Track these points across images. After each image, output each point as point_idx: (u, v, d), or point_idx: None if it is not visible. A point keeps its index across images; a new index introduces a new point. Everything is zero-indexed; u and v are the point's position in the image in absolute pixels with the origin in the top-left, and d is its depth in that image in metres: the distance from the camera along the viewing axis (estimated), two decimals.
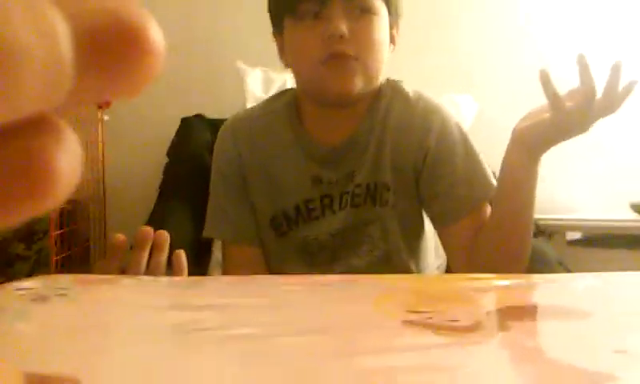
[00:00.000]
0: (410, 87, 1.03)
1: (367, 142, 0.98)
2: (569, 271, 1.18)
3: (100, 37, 0.12)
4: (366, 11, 0.92)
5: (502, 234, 0.90)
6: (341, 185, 0.97)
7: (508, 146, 0.90)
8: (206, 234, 1.04)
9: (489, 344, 0.40)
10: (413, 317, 0.47)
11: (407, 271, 0.98)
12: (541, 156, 0.88)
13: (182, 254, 0.78)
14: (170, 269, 0.77)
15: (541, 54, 1.93)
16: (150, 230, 0.77)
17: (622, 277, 0.65)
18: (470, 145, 0.99)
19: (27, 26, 0.10)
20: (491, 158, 1.51)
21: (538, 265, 1.15)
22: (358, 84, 0.92)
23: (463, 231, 0.94)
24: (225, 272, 0.99)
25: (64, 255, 1.26)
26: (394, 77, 1.04)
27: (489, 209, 0.95)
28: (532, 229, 0.92)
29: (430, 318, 0.46)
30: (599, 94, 0.79)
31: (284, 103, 1.05)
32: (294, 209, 0.99)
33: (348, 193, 0.97)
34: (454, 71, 1.94)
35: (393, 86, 1.02)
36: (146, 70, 0.12)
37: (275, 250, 1.01)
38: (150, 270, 0.75)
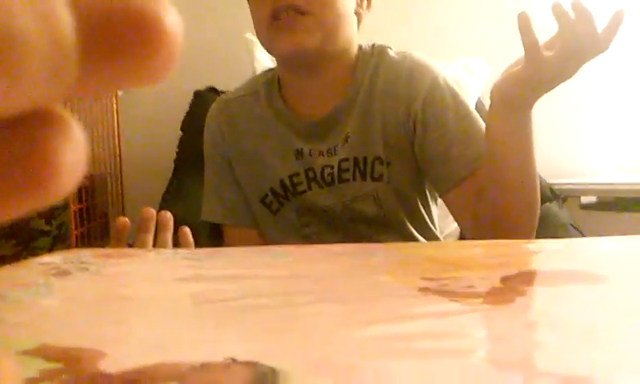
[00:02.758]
0: (398, 50, 0.99)
1: (350, 114, 0.94)
2: (583, 235, 1.18)
3: (108, 23, 0.11)
4: None
5: (503, 198, 0.85)
6: (324, 158, 0.95)
7: (489, 107, 0.84)
8: (203, 217, 1.05)
9: (505, 309, 0.40)
10: (429, 284, 0.47)
11: (413, 240, 0.96)
12: (527, 110, 0.81)
13: (187, 231, 0.78)
14: (177, 247, 0.78)
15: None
16: (152, 210, 0.78)
17: (638, 240, 0.65)
18: (463, 103, 0.94)
19: (28, 13, 0.10)
20: None
21: (552, 229, 1.15)
22: (312, 41, 0.87)
23: (465, 194, 0.90)
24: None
25: (83, 230, 1.28)
26: (404, 42, 1.03)
27: None
28: (537, 190, 0.85)
29: (446, 284, 0.47)
30: (584, 37, 0.72)
31: (264, 81, 1.03)
32: (280, 185, 0.97)
33: (332, 167, 0.94)
34: (465, 35, 1.92)
35: (378, 52, 0.98)
36: (161, 59, 0.11)
37: (272, 229, 1.01)
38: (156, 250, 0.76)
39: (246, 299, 0.46)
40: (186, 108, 1.78)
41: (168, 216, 0.78)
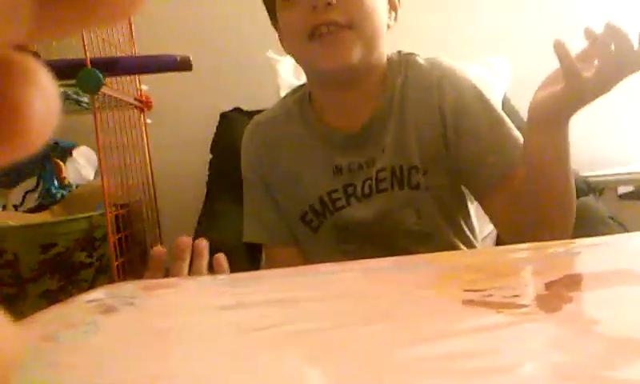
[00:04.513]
0: (424, 56, 0.99)
1: (385, 125, 0.94)
2: (623, 227, 1.16)
3: None
4: None
5: (543, 206, 0.85)
6: (362, 171, 0.95)
7: (527, 124, 0.83)
8: (245, 239, 1.06)
9: (552, 319, 0.40)
10: (472, 296, 0.47)
11: (452, 249, 0.96)
12: (566, 124, 0.81)
13: (221, 257, 0.79)
14: (212, 273, 0.79)
15: (573, 8, 1.88)
16: (187, 239, 0.78)
17: None
18: (493, 108, 0.94)
19: None
20: None
21: (591, 224, 1.13)
22: (355, 54, 0.88)
23: (500, 199, 0.91)
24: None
25: (123, 260, 1.30)
26: (427, 44, 1.03)
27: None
28: (574, 197, 0.86)
29: (491, 295, 0.47)
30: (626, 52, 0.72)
31: (295, 99, 1.04)
32: (319, 202, 0.97)
33: (370, 179, 0.94)
34: (486, 34, 1.90)
35: (406, 60, 0.98)
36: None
37: (312, 247, 1.01)
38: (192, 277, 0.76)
39: (292, 325, 0.46)
40: (214, 130, 1.80)
41: (203, 244, 0.78)
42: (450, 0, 1.87)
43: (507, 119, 0.94)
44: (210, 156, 1.76)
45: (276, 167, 1.02)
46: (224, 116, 1.81)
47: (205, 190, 1.69)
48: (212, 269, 0.80)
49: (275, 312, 0.51)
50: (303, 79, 1.58)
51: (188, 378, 0.38)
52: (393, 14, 0.97)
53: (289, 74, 1.74)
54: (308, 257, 1.02)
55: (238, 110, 1.80)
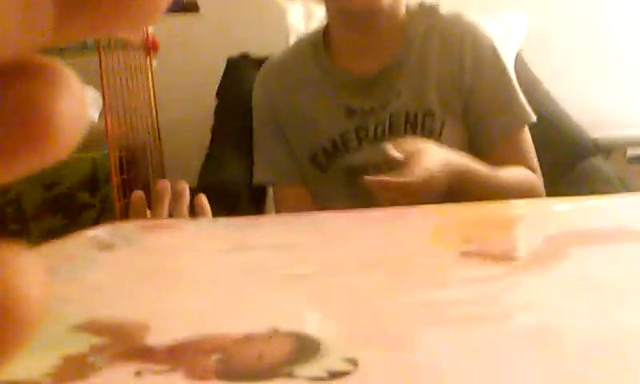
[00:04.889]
0: (446, 9, 1.01)
1: (402, 69, 0.97)
2: (630, 190, 1.15)
3: None
4: None
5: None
6: (376, 115, 0.97)
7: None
8: (255, 181, 1.07)
9: (547, 273, 0.40)
10: (470, 247, 0.47)
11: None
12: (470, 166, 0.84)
13: (202, 199, 0.79)
14: (193, 216, 0.79)
15: None
16: (165, 182, 0.78)
17: None
18: (505, 70, 0.97)
19: None
20: (543, 72, 1.46)
21: (597, 185, 1.13)
22: None
23: (499, 159, 0.93)
24: (277, 213, 1.01)
25: (127, 201, 1.31)
26: None
27: (527, 137, 0.95)
28: (523, 191, 0.87)
29: (488, 247, 0.47)
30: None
31: (309, 43, 1.05)
32: (331, 143, 0.99)
33: (384, 122, 0.96)
34: None
35: (429, 11, 1.00)
36: (145, 6, 0.11)
37: (320, 188, 1.02)
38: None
39: (289, 269, 0.46)
40: (220, 75, 1.78)
41: (182, 186, 0.78)
42: None
43: (514, 82, 0.97)
44: (216, 101, 1.75)
45: (289, 108, 1.03)
46: (231, 61, 1.79)
47: (210, 135, 1.68)
48: (193, 212, 0.80)
49: (274, 256, 0.51)
50: (313, 26, 1.56)
51: (180, 316, 0.38)
52: None
53: (299, 20, 1.71)
54: (315, 199, 1.03)
55: (245, 56, 1.78)
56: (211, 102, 1.75)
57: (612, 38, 1.84)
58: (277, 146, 1.04)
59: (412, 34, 0.98)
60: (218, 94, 1.75)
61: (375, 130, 0.97)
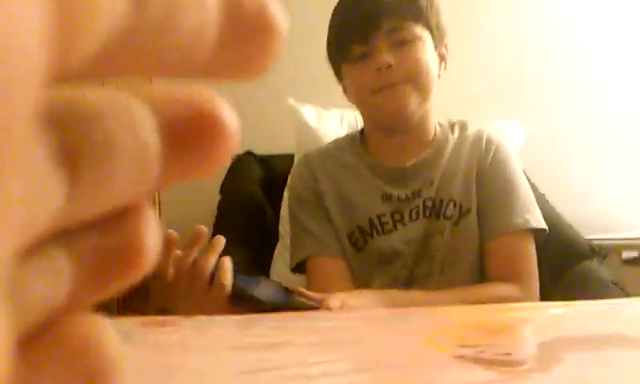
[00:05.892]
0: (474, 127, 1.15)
1: (436, 164, 1.07)
2: (626, 292, 1.15)
3: (182, 126, 0.13)
4: (409, 41, 1.03)
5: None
6: (409, 201, 1.06)
7: None
8: (292, 262, 1.12)
9: (541, 378, 0.41)
10: (464, 351, 0.47)
11: (463, 284, 1.02)
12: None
13: (227, 261, 0.83)
14: (216, 271, 0.82)
15: (585, 70, 1.91)
16: (204, 229, 0.85)
17: None
18: (514, 180, 1.07)
19: (119, 122, 0.12)
20: (540, 180, 1.49)
21: (593, 288, 1.14)
22: (413, 104, 1.02)
23: (489, 256, 1.02)
24: (310, 288, 1.02)
25: (125, 294, 1.31)
26: (440, 108, 1.12)
27: (524, 245, 1.01)
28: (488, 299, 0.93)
29: (482, 351, 0.47)
30: None
31: (347, 139, 1.18)
32: (368, 222, 1.07)
33: (417, 208, 1.06)
34: (499, 98, 1.93)
35: (460, 124, 1.14)
36: (224, 153, 0.13)
37: (356, 266, 1.07)
38: (196, 267, 0.83)
39: (290, 370, 0.47)
40: (225, 171, 1.81)
41: (222, 241, 0.86)
42: (463, 66, 1.90)
43: (524, 191, 1.06)
44: (220, 197, 1.77)
45: (331, 186, 1.10)
46: (235, 158, 1.83)
47: (212, 231, 1.70)
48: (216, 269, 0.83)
49: (273, 356, 0.52)
50: (325, 125, 1.61)
51: None
52: (443, 64, 1.11)
53: (311, 121, 1.75)
54: (352, 279, 1.07)
55: (249, 153, 1.82)
56: (214, 197, 1.78)
57: (606, 144, 1.89)
58: (317, 219, 1.10)
59: (444, 137, 1.11)
60: (221, 190, 1.78)
61: (410, 214, 1.06)
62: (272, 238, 1.50)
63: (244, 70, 0.14)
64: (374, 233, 1.06)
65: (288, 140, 1.68)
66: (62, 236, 0.12)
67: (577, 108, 1.90)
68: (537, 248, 1.03)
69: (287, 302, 0.80)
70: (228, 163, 0.14)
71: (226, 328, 0.66)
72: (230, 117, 0.13)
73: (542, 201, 1.39)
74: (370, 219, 1.06)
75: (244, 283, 0.82)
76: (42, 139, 0.11)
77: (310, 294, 0.86)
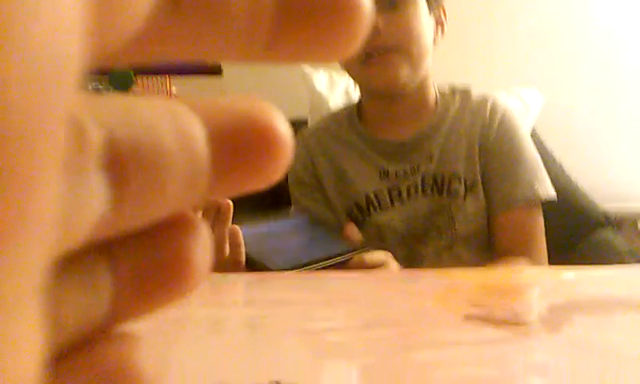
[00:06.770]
0: (477, 91, 1.09)
1: (435, 137, 1.03)
2: None
3: (234, 138, 0.12)
4: (400, 3, 0.96)
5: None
6: (407, 177, 1.03)
7: None
8: None
9: (550, 339, 0.40)
10: (474, 311, 0.47)
11: (470, 263, 1.00)
12: None
13: (239, 233, 0.82)
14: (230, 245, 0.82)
15: (606, 41, 1.88)
16: (229, 203, 0.82)
17: None
18: (522, 150, 1.02)
19: (169, 130, 0.11)
20: (557, 148, 1.48)
21: (607, 257, 1.13)
22: (403, 74, 0.97)
23: (497, 230, 1.00)
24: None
25: None
26: (460, 73, 1.08)
27: (533, 217, 0.99)
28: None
29: (492, 312, 0.47)
30: None
31: (344, 113, 1.14)
32: (365, 199, 1.04)
33: (416, 184, 1.02)
34: (518, 64, 1.90)
35: (462, 92, 1.09)
36: (278, 165, 0.12)
37: None
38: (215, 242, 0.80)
39: (293, 325, 0.47)
40: None
41: (230, 207, 0.82)
42: (484, 29, 1.87)
43: (533, 161, 1.02)
44: None
45: (327, 163, 1.09)
46: None
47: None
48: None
49: (281, 311, 0.52)
50: (336, 92, 1.61)
51: (184, 368, 0.39)
52: (439, 29, 1.05)
53: (323, 87, 1.75)
54: None
55: None
56: None
57: (624, 113, 1.86)
58: (315, 199, 1.10)
59: (444, 107, 1.06)
60: None
61: (408, 190, 1.02)
62: (285, 203, 1.51)
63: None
64: (371, 209, 1.04)
65: (304, 106, 1.68)
66: (104, 248, 0.12)
67: (596, 77, 1.87)
68: (551, 216, 1.01)
69: (308, 262, 0.80)
70: (280, 177, 0.13)
71: (237, 285, 0.66)
72: (284, 128, 0.12)
73: (557, 169, 1.38)
74: (367, 196, 1.04)
75: (257, 255, 0.82)
76: (86, 138, 0.10)
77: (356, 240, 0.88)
